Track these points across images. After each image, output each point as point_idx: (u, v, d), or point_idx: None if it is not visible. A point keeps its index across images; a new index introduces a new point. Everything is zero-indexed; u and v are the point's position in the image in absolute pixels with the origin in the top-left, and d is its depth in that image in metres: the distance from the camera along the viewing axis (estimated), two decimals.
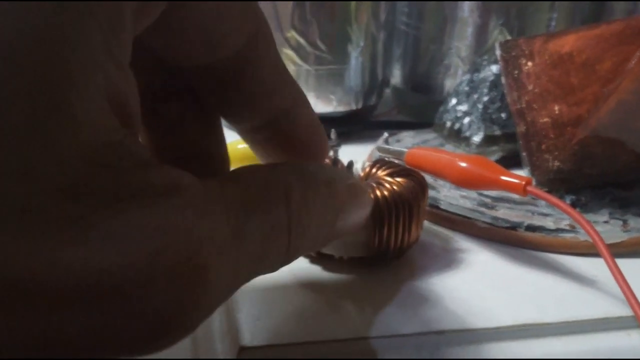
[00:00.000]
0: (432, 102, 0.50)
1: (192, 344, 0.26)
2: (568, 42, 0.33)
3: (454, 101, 0.43)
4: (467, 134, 0.41)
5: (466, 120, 0.42)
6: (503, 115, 0.40)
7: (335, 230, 0.19)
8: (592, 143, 0.32)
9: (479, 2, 0.46)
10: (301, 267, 0.29)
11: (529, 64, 0.35)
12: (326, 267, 0.28)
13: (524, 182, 0.27)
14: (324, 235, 0.19)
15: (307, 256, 0.29)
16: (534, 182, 0.34)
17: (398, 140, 0.43)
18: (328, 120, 0.45)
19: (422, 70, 0.50)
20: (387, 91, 0.53)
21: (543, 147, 0.33)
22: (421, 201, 0.28)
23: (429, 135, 0.44)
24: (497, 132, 0.40)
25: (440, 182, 0.36)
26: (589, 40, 0.32)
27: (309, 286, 0.27)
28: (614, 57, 0.31)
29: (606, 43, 0.31)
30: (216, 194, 0.14)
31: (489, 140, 0.40)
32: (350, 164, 0.29)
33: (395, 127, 0.48)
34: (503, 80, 0.36)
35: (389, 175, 0.29)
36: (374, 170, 0.30)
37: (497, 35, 0.45)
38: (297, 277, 0.28)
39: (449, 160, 0.30)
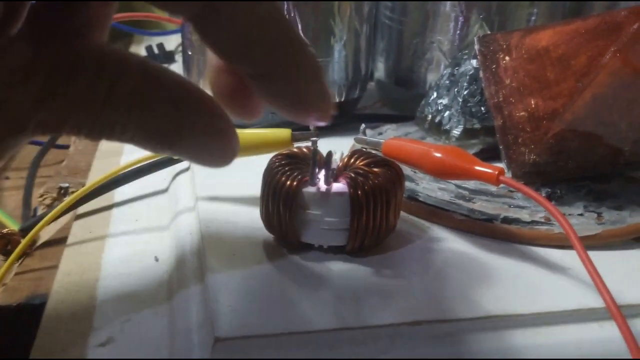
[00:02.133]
0: (414, 96, 0.50)
1: (168, 336, 0.26)
2: (544, 37, 0.33)
3: (434, 95, 0.44)
4: (448, 127, 0.41)
5: (446, 113, 0.42)
6: (483, 108, 0.41)
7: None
8: (568, 137, 0.32)
9: None
10: (279, 256, 0.29)
11: (507, 58, 0.35)
12: (305, 256, 0.29)
13: (496, 172, 0.27)
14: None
15: (285, 245, 0.29)
16: (509, 175, 0.35)
17: (380, 133, 0.43)
18: None
19: (405, 64, 0.51)
20: (372, 84, 0.54)
21: (519, 140, 0.34)
22: (398, 190, 0.29)
23: (410, 128, 0.45)
24: (477, 126, 0.41)
25: (420, 174, 0.36)
26: (564, 36, 0.32)
27: (287, 276, 0.27)
28: (588, 52, 0.31)
29: (581, 38, 0.31)
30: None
31: (468, 133, 0.41)
32: (329, 154, 0.30)
33: (379, 120, 0.48)
34: (481, 74, 0.36)
35: (366, 165, 0.29)
36: (352, 160, 0.30)
37: (478, 30, 0.46)
38: (276, 267, 0.28)
39: (423, 151, 0.30)
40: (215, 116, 0.20)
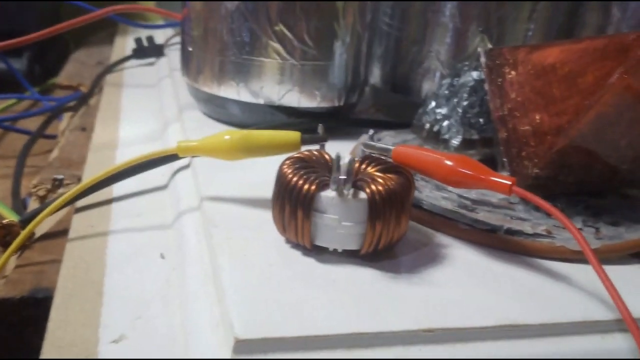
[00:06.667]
0: (409, 103, 0.51)
1: (183, 334, 0.26)
2: (552, 54, 0.34)
3: (433, 104, 0.44)
4: (446, 136, 0.42)
5: (445, 123, 0.43)
6: (481, 120, 0.42)
7: None
8: (570, 152, 0.33)
9: (460, 8, 0.47)
10: (292, 257, 0.29)
11: (513, 73, 0.36)
12: (319, 259, 0.29)
13: (510, 183, 0.28)
14: None
15: (300, 248, 0.29)
16: None
17: (379, 139, 0.44)
18: (311, 115, 0.46)
19: (403, 71, 0.51)
20: (366, 89, 0.54)
21: (523, 154, 0.35)
22: (410, 196, 0.29)
23: (408, 136, 0.45)
24: (475, 137, 0.42)
25: (422, 182, 0.37)
26: (572, 54, 0.33)
27: (302, 278, 0.27)
28: (596, 72, 0.32)
29: (589, 57, 0.32)
30: None
31: (467, 143, 0.42)
32: (338, 157, 0.30)
33: (373, 125, 0.48)
34: (486, 86, 0.37)
35: (379, 171, 0.30)
36: (363, 166, 0.31)
37: (479, 42, 0.47)
38: (290, 268, 0.28)
39: (436, 159, 0.31)
40: None
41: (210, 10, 0.44)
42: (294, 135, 0.33)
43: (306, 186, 0.28)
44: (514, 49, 0.36)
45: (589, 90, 0.32)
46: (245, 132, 0.33)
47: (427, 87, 0.50)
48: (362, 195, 0.28)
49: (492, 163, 0.39)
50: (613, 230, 0.33)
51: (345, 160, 0.30)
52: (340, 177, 0.27)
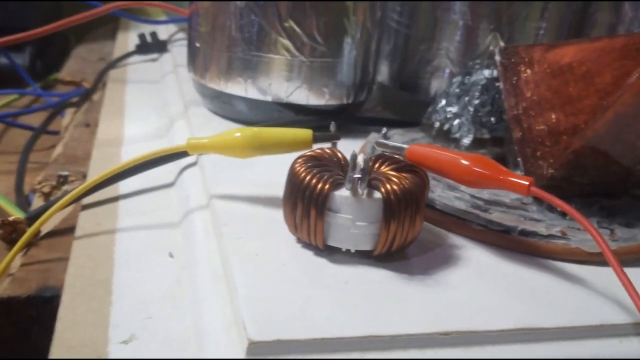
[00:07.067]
0: (417, 101, 0.50)
1: (195, 335, 0.25)
2: (568, 53, 0.34)
3: (443, 102, 0.44)
4: (457, 135, 0.42)
5: (456, 121, 0.42)
6: (492, 119, 0.41)
7: None
8: (586, 153, 0.33)
9: (470, 6, 0.46)
10: (305, 258, 0.29)
11: (528, 71, 0.35)
12: (331, 259, 0.28)
13: (528, 183, 0.28)
14: None
15: (312, 247, 0.29)
16: None
17: (388, 138, 0.43)
18: (319, 113, 0.45)
19: (411, 69, 0.51)
20: (373, 87, 0.54)
21: (538, 153, 0.34)
22: (425, 196, 0.29)
23: (417, 134, 0.45)
24: (486, 136, 0.41)
25: (434, 182, 0.36)
26: (590, 53, 0.33)
27: (315, 279, 0.27)
28: (614, 71, 0.31)
29: (607, 57, 0.32)
30: None
31: (477, 143, 0.41)
32: (354, 156, 0.29)
33: (381, 124, 0.48)
34: (501, 85, 0.36)
35: (393, 170, 0.29)
36: (377, 165, 0.30)
37: (491, 40, 0.46)
38: (303, 269, 0.28)
39: (452, 158, 0.30)
40: None
41: (219, 7, 0.44)
42: (305, 133, 0.33)
43: (320, 185, 0.27)
44: (530, 47, 0.36)
45: (607, 89, 0.32)
46: (256, 129, 0.33)
47: (436, 85, 0.50)
48: (377, 194, 0.27)
49: (502, 162, 0.38)
50: (628, 232, 0.33)
51: (359, 159, 0.29)
52: (355, 176, 0.27)
